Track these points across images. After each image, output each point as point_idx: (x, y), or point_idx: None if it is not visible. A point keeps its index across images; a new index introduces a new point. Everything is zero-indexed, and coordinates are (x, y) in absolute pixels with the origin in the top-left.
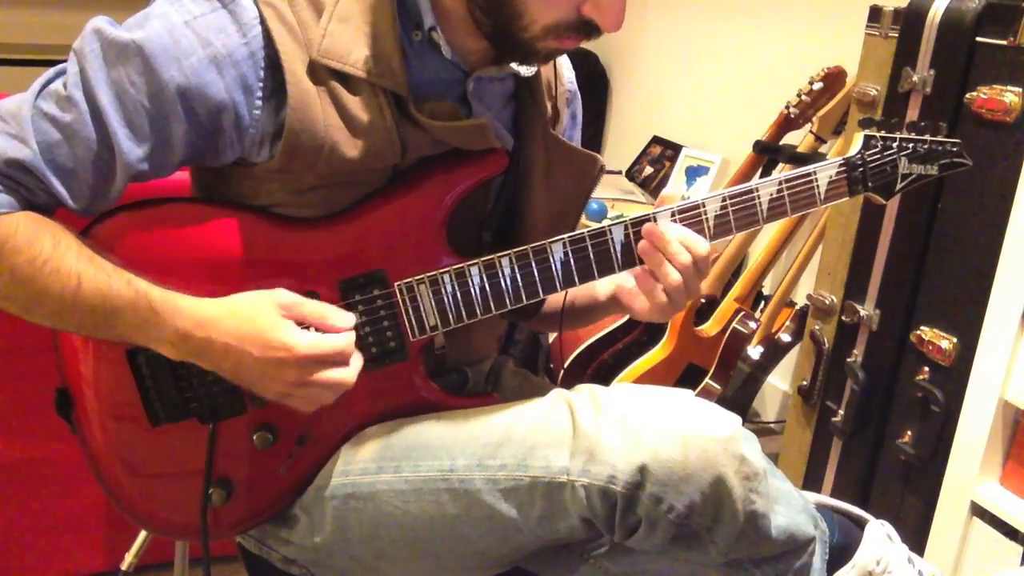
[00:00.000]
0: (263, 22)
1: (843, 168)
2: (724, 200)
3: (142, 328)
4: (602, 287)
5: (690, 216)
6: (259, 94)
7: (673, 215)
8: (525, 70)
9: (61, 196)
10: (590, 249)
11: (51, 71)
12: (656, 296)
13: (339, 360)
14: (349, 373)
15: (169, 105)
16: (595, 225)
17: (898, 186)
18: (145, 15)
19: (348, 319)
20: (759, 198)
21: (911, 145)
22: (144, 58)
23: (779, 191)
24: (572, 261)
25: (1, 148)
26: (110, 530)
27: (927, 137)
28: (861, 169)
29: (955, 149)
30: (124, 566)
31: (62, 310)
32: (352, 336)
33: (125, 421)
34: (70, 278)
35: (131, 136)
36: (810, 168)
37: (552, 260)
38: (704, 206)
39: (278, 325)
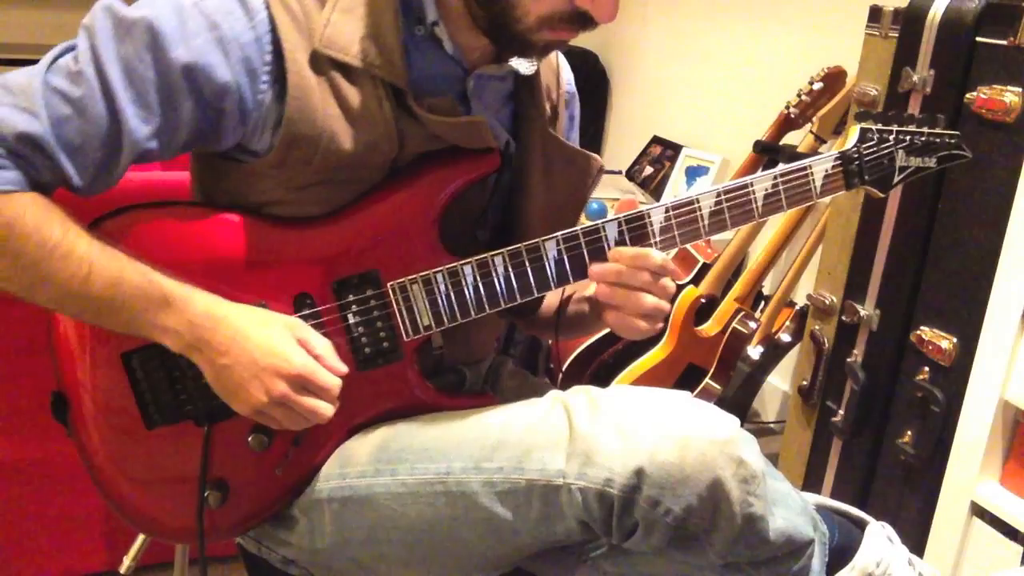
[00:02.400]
0: (268, 8)
1: (839, 161)
2: (719, 196)
3: (150, 318)
4: (587, 305)
5: (684, 212)
6: (264, 78)
7: (667, 211)
8: (526, 67)
9: (67, 173)
10: (584, 247)
11: (60, 46)
12: (634, 321)
13: (326, 395)
14: (329, 409)
15: (177, 83)
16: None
17: (896, 179)
18: None
19: (343, 368)
20: (754, 193)
21: (908, 137)
22: (153, 35)
23: (774, 186)
24: (566, 259)
25: (11, 121)
26: (110, 530)
27: (924, 129)
28: (857, 162)
29: (953, 141)
30: (123, 569)
31: (67, 295)
32: (340, 384)
33: (120, 424)
34: (80, 265)
35: (139, 113)
36: (806, 162)
37: (546, 258)
38: (699, 202)
39: (284, 338)
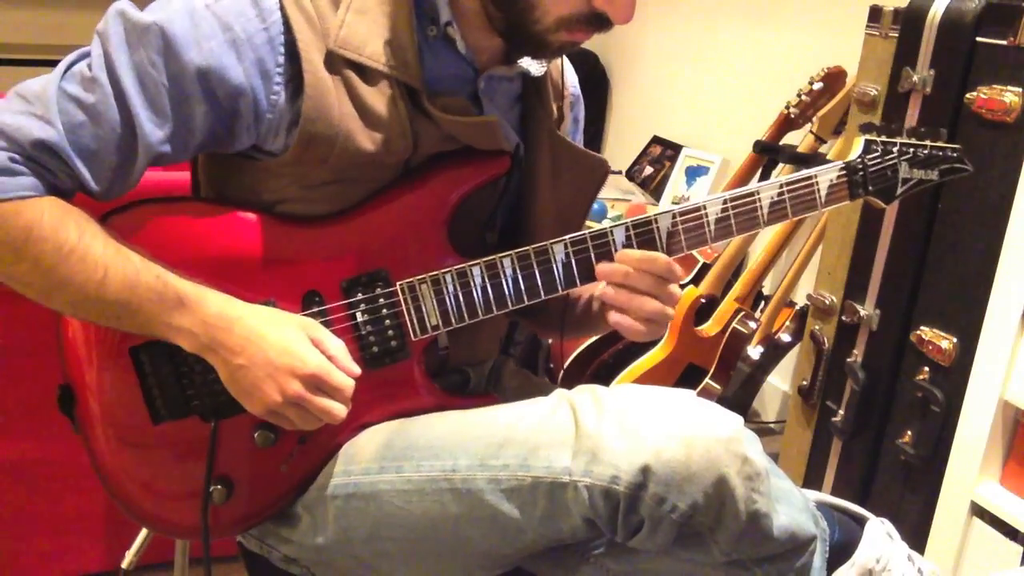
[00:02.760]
0: (283, 9)
1: (844, 172)
2: (725, 203)
3: (165, 319)
4: (595, 304)
5: (691, 218)
6: (277, 80)
7: (674, 217)
8: (536, 69)
9: (84, 178)
10: (591, 250)
11: (75, 53)
12: (637, 324)
13: (339, 396)
14: (342, 410)
15: (190, 87)
16: (596, 226)
17: (899, 191)
18: None
19: (356, 370)
20: (760, 201)
21: (911, 150)
22: (166, 40)
23: (780, 194)
24: (574, 262)
25: (27, 129)
26: (110, 530)
27: (927, 142)
28: (862, 173)
29: (955, 155)
30: (125, 564)
31: (84, 299)
32: (353, 384)
33: (127, 418)
34: (96, 269)
35: (153, 118)
36: (811, 171)
37: (554, 261)
38: (705, 208)
39: (299, 338)
